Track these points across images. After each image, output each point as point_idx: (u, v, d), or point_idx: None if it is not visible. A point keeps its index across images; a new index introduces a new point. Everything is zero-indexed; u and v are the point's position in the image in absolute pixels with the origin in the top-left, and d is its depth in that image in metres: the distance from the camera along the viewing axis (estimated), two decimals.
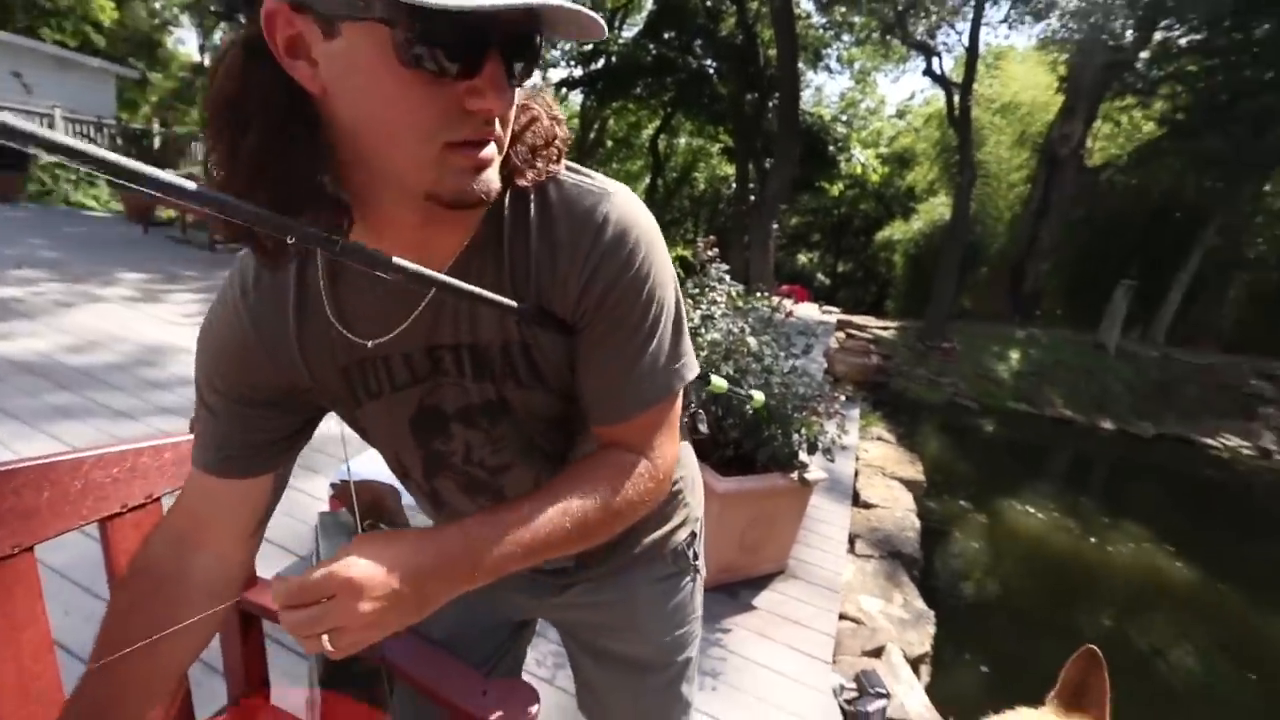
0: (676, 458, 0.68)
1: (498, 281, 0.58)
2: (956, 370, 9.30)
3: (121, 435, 2.86)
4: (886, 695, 2.20)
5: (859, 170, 15.62)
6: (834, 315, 10.97)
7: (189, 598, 0.65)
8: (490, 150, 0.49)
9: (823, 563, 2.84)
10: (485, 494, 0.71)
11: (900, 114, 20.69)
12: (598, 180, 0.60)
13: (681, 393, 0.67)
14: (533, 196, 0.58)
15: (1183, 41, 10.83)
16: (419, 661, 0.87)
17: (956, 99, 10.48)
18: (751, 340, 2.53)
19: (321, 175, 0.49)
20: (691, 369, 0.65)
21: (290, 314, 0.60)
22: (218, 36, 15.60)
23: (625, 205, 0.59)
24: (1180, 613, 4.14)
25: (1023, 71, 14.19)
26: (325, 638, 0.47)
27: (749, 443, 2.49)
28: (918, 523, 3.82)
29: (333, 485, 1.47)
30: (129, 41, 15.36)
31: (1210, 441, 8.74)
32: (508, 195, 0.57)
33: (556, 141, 0.58)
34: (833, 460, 2.57)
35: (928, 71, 11.38)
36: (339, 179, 0.51)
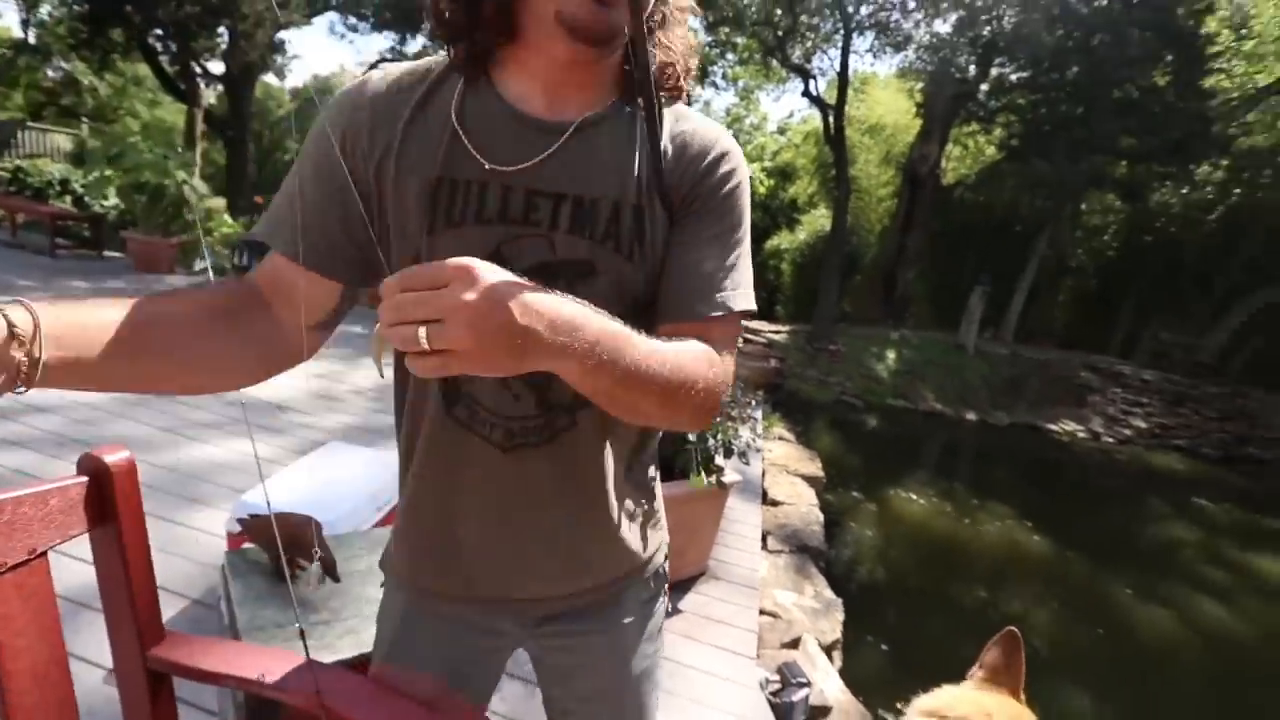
0: (730, 386, 0.67)
1: (629, 150, 0.63)
2: (842, 370, 9.94)
3: None
4: (808, 684, 2.29)
5: None
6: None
7: (248, 321, 0.62)
8: None
9: (740, 561, 2.92)
10: (522, 383, 0.66)
11: (781, 130, 21.87)
12: None
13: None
14: (668, 105, 0.66)
15: (1014, 78, 12.31)
16: (359, 702, 0.80)
17: (831, 119, 11.25)
18: None
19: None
20: (752, 300, 0.68)
21: (409, 106, 0.63)
22: (44, 10, 13.70)
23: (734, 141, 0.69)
24: (1037, 579, 4.65)
25: (886, 97, 15.49)
26: (422, 331, 0.42)
27: (667, 450, 2.52)
28: (821, 516, 4.04)
29: (239, 521, 1.31)
30: None
31: (1053, 427, 9.92)
32: (640, 96, 0.63)
33: (691, 75, 0.68)
34: (747, 463, 2.66)
35: (805, 93, 12.12)
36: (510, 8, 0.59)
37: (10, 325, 0.44)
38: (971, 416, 9.58)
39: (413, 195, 0.62)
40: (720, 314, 0.63)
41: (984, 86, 12.52)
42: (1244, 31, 11.85)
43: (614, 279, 0.63)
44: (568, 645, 0.81)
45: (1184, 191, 13.37)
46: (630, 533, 0.77)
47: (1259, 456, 10.61)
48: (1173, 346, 13.29)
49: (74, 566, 0.75)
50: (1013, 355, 11.48)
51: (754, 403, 2.85)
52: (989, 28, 11.62)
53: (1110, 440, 10.00)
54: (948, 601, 4.09)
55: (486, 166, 0.60)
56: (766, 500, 4.01)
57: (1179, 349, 13.20)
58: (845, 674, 2.77)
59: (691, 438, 2.58)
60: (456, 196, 0.61)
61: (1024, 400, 10.34)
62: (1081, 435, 9.91)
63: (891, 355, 10.52)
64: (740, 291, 0.65)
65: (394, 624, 0.80)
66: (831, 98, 11.89)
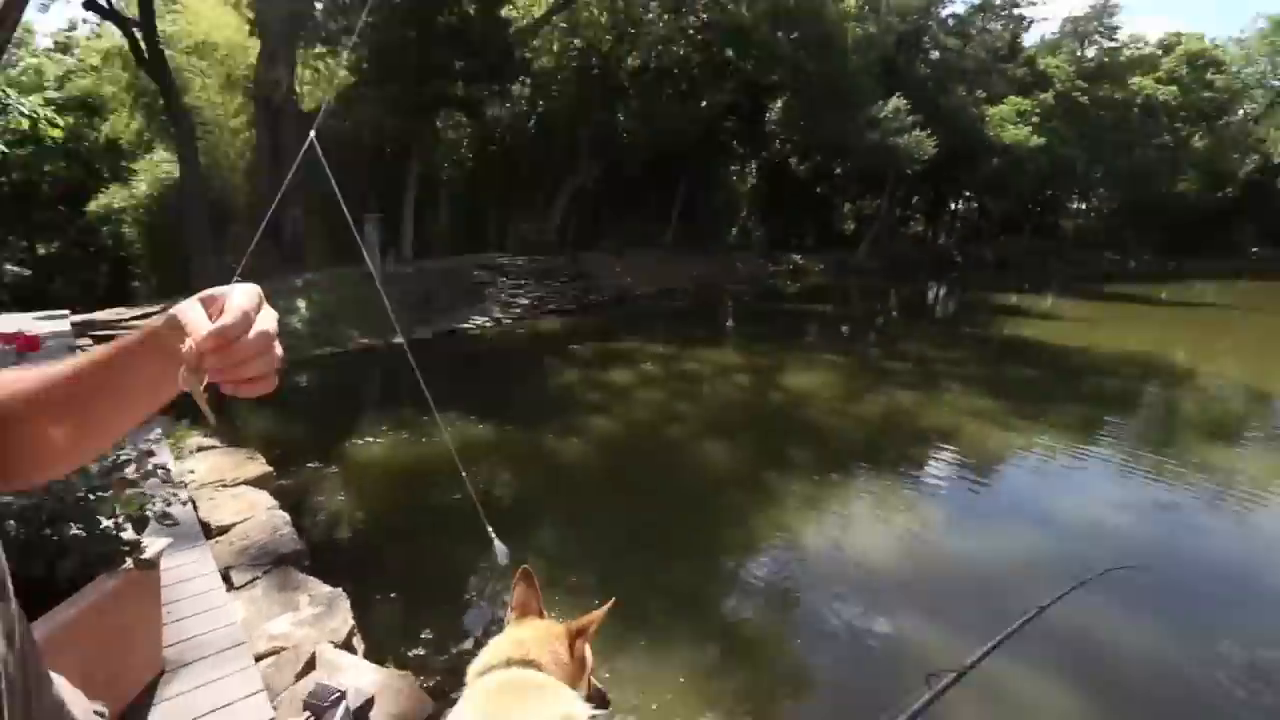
0: None
1: None
2: None
3: None
4: (341, 694, 2.23)
5: (26, 124, 11.78)
6: (65, 319, 8.48)
7: None
8: None
9: (207, 625, 2.50)
10: None
11: (63, 48, 16.31)
12: None
13: None
14: None
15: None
16: None
17: (140, 36, 9.05)
18: None
19: None
20: None
21: None
22: None
23: None
24: (497, 464, 5.51)
25: (208, 10, 13.21)
26: (278, 348, 0.55)
27: (37, 566, 1.86)
28: (285, 515, 3.74)
29: None
30: None
31: (466, 325, 11.45)
32: None
33: None
34: (175, 523, 2.22)
35: (90, 4, 9.25)
36: None
37: None
38: (399, 340, 10.11)
39: None
40: None
41: (319, 5, 12.04)
42: None
43: None
44: None
45: (507, 106, 16.52)
46: None
47: (598, 300, 14.94)
48: (529, 233, 17.11)
49: None
50: (418, 272, 12.46)
51: (152, 438, 2.35)
52: None
53: (509, 322, 12.23)
54: (433, 528, 4.39)
55: None
56: (213, 533, 3.46)
57: (533, 234, 17.07)
58: (374, 654, 2.80)
59: (76, 529, 1.98)
60: None
61: (437, 310, 11.51)
62: (488, 325, 11.79)
63: (302, 304, 10.01)
64: None
65: None
66: (134, 9, 9.45)
